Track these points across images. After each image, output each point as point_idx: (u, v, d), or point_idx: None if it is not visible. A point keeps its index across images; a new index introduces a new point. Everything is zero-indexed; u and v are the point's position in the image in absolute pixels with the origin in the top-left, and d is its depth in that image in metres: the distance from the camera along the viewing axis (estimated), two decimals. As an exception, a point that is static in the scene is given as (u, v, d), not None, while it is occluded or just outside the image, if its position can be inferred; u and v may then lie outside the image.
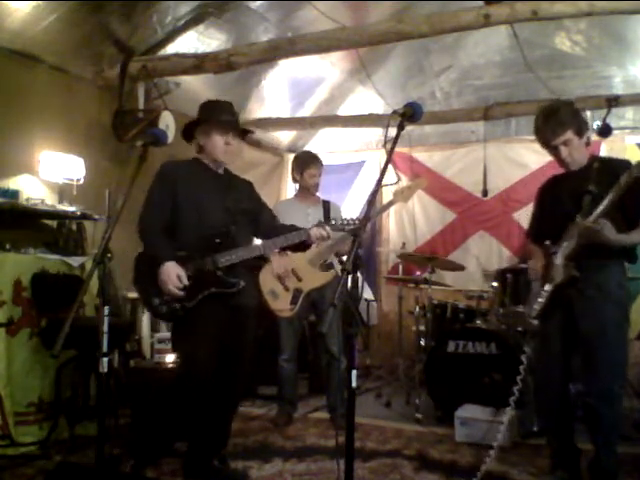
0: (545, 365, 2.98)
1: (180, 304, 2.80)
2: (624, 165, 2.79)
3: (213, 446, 3.03)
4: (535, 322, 2.85)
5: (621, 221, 2.67)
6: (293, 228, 3.08)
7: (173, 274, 2.75)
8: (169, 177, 2.95)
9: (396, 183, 2.78)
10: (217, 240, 2.86)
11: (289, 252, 3.63)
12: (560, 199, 2.91)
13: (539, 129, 2.85)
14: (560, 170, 2.99)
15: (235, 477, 3.11)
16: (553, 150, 2.84)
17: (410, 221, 6.45)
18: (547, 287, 2.82)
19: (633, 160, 2.86)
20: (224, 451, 3.13)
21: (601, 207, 2.62)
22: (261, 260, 3.70)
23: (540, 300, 2.83)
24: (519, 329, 4.12)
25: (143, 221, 2.91)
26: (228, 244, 2.87)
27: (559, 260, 2.77)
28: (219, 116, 2.96)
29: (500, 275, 4.28)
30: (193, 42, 4.56)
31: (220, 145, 2.94)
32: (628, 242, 2.75)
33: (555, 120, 2.78)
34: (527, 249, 3.23)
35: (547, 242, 2.90)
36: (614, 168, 2.76)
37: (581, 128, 2.80)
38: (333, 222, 2.96)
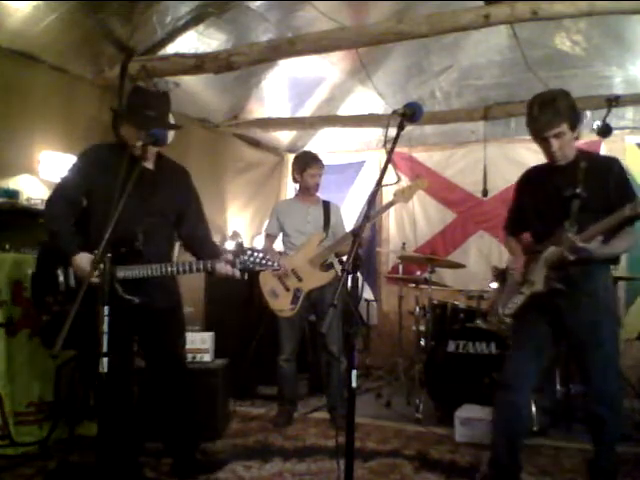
0: (518, 368, 2.77)
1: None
2: (611, 164, 2.70)
3: (186, 442, 3.05)
4: (508, 320, 2.77)
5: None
6: (208, 249, 2.90)
7: (89, 266, 2.47)
8: (87, 162, 2.81)
9: (396, 183, 2.77)
10: (122, 249, 2.65)
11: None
12: (545, 195, 2.78)
13: (534, 118, 2.65)
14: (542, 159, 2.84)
15: (213, 466, 3.14)
16: (543, 142, 2.68)
17: (410, 221, 6.46)
18: (525, 290, 2.74)
19: (620, 157, 2.82)
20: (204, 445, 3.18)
21: (594, 229, 2.51)
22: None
23: (516, 301, 2.75)
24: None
25: (50, 204, 2.79)
26: (134, 254, 2.69)
27: (541, 264, 2.69)
28: (138, 109, 2.79)
29: (500, 275, 4.27)
30: (193, 42, 4.55)
31: (133, 140, 2.71)
32: (612, 254, 2.67)
33: (552, 110, 2.59)
34: (506, 244, 3.12)
35: (527, 237, 2.81)
36: (601, 168, 2.67)
37: (575, 122, 2.65)
38: (246, 257, 2.66)
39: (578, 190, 2.60)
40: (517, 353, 2.82)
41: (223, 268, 2.74)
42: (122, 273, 2.68)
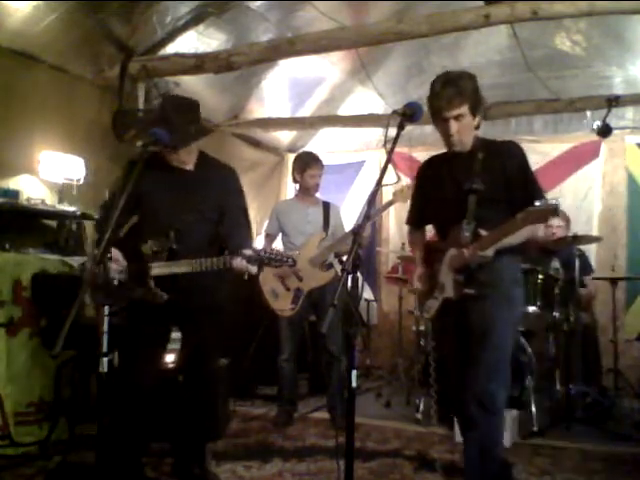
0: (449, 366, 2.75)
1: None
2: (506, 150, 2.62)
3: (190, 449, 3.02)
4: (428, 322, 2.74)
5: (504, 210, 2.48)
6: (234, 247, 2.86)
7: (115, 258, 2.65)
8: (129, 174, 2.89)
9: (396, 183, 2.77)
10: (154, 248, 2.76)
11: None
12: (444, 189, 2.66)
13: (436, 95, 2.51)
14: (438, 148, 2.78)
15: None
16: (442, 123, 2.56)
17: (410, 221, 6.44)
18: (437, 294, 2.63)
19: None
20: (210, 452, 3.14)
21: (489, 238, 2.44)
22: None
23: (431, 305, 2.65)
24: (520, 329, 4.10)
25: (99, 210, 3.13)
26: (166, 252, 2.76)
27: (446, 268, 2.59)
28: (170, 123, 2.77)
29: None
30: (193, 42, 4.56)
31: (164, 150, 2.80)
32: (514, 243, 2.50)
33: (455, 89, 2.47)
34: (410, 242, 3.06)
35: (427, 239, 2.80)
36: (498, 154, 2.58)
37: (477, 107, 2.53)
38: (262, 252, 2.70)
39: (475, 185, 2.51)
40: (454, 359, 2.71)
41: (239, 264, 2.74)
42: (156, 269, 2.73)
